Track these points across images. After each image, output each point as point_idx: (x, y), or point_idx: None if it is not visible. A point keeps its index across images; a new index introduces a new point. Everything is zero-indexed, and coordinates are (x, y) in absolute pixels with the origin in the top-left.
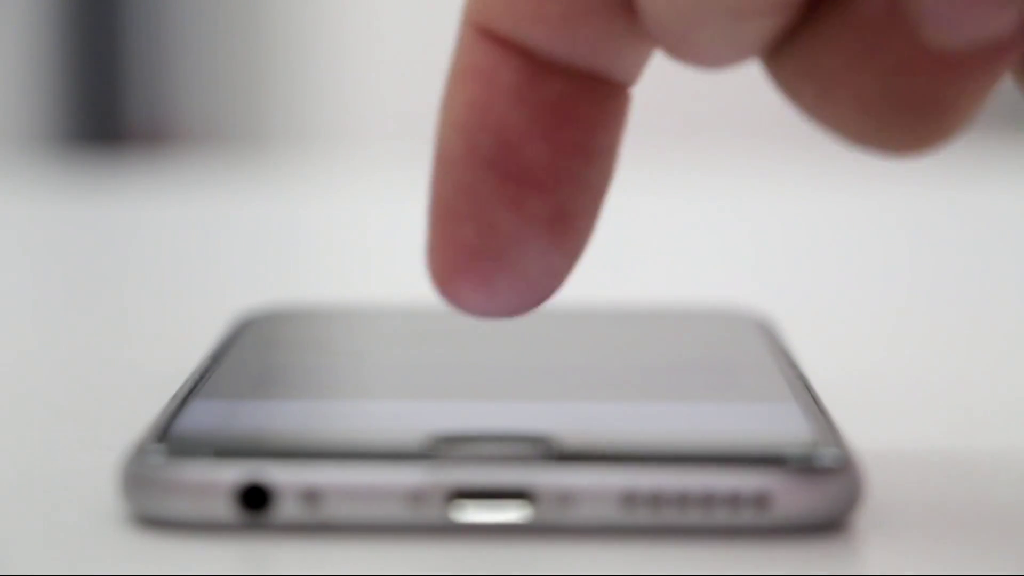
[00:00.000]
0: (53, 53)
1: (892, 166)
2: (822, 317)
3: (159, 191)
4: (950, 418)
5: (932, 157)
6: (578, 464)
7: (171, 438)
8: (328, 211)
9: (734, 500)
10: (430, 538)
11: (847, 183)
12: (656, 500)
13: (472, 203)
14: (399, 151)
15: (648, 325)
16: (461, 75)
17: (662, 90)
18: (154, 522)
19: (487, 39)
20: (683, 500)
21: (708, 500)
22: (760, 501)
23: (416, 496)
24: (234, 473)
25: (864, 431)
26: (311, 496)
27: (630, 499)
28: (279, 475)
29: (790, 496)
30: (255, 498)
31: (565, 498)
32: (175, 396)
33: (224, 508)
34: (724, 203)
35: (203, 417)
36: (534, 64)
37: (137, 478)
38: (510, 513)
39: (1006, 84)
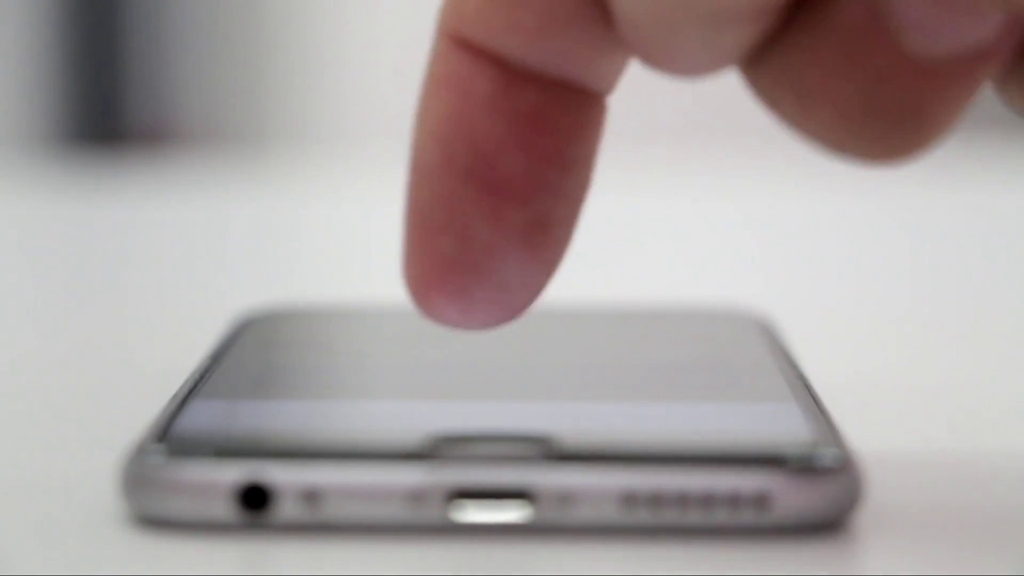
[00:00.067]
0: (53, 53)
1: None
2: (822, 317)
3: (159, 191)
4: (950, 418)
5: (932, 157)
6: (578, 464)
7: (171, 438)
8: (328, 211)
9: (734, 500)
10: (430, 538)
11: (847, 183)
12: (656, 500)
13: (448, 214)
14: (399, 151)
15: (648, 325)
16: (436, 84)
17: (662, 90)
18: (154, 522)
19: (462, 48)
20: (683, 500)
21: (708, 500)
22: (760, 501)
23: (416, 496)
24: (234, 473)
25: (864, 431)
26: (311, 496)
27: (630, 499)
28: (279, 475)
29: (790, 496)
30: (255, 498)
31: (565, 498)
32: (175, 396)
33: (224, 508)
34: (725, 203)
35: (203, 417)
36: (509, 73)
37: (137, 478)
38: (510, 513)
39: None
